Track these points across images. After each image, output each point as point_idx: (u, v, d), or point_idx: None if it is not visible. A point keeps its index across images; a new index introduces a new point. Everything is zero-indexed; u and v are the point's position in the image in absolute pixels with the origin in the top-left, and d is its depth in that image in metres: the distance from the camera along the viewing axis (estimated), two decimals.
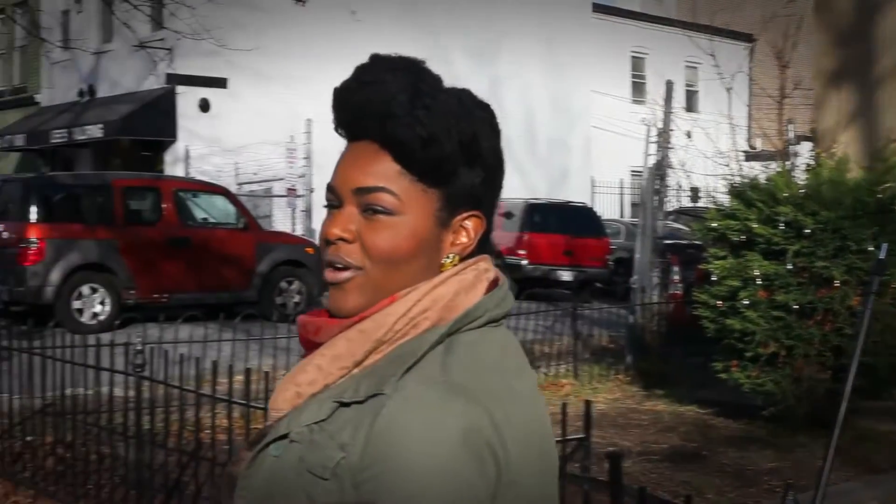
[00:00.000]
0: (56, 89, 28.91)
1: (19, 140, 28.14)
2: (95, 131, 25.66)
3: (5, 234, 16.97)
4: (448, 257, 1.65)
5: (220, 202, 18.55)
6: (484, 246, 1.70)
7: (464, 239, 1.66)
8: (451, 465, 1.47)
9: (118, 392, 7.60)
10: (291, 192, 24.22)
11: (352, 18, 20.76)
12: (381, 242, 1.60)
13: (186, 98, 25.82)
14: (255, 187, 26.15)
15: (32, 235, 16.56)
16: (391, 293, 1.62)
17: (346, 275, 1.63)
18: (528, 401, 1.63)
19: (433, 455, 1.47)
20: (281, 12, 22.30)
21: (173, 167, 25.99)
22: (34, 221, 16.69)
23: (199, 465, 6.79)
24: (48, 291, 16.49)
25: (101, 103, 27.19)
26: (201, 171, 24.78)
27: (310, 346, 1.69)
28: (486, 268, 1.68)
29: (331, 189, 1.66)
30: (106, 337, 7.97)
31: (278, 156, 24.47)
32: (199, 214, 18.50)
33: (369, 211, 1.61)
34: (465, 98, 1.66)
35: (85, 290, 16.74)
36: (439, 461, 1.47)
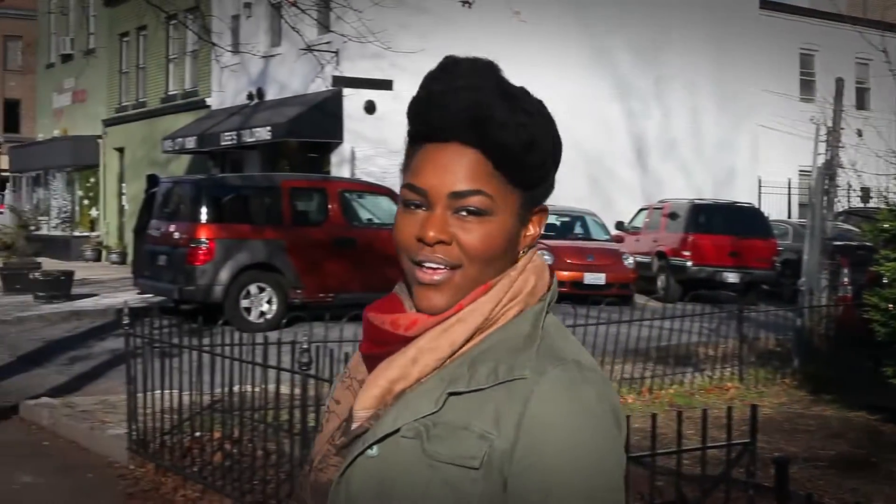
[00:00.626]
0: (226, 93, 29.59)
1: (190, 142, 28.86)
2: (263, 133, 26.16)
3: (176, 234, 17.42)
4: (522, 251, 1.74)
5: (384, 203, 18.71)
6: None
7: (532, 232, 1.75)
8: (610, 444, 1.60)
9: (284, 389, 7.73)
10: None
11: (515, 19, 20.74)
12: (477, 242, 1.66)
13: (352, 100, 26.13)
14: None
15: (203, 236, 16.96)
16: (480, 286, 1.68)
17: (443, 274, 1.68)
18: None
19: (588, 433, 1.58)
20: (446, 14, 22.41)
21: (339, 168, 26.34)
22: (204, 222, 17.09)
23: None
24: (217, 290, 16.87)
25: (270, 106, 27.72)
26: (367, 172, 25.06)
27: (387, 344, 1.71)
28: (542, 255, 1.75)
29: (417, 190, 1.68)
30: (273, 335, 8.11)
31: None
32: (364, 215, 18.71)
33: (463, 212, 1.66)
34: (544, 110, 1.71)
35: (253, 289, 17.08)
36: (593, 437, 1.58)
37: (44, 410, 10.47)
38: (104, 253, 35.12)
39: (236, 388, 7.69)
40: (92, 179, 36.89)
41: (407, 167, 1.72)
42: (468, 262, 1.67)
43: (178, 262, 17.24)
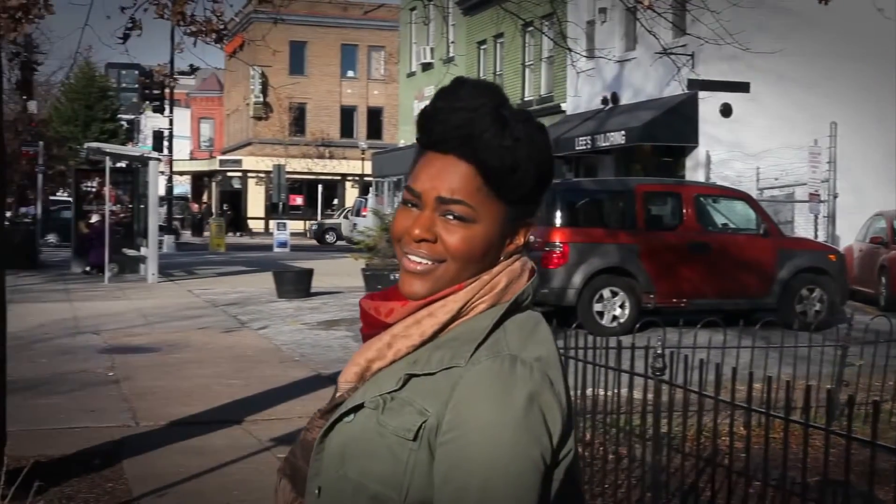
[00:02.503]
0: (581, 97, 29.78)
1: None
2: (618, 138, 26.17)
3: (531, 238, 17.66)
4: (504, 256, 1.96)
5: (740, 207, 18.32)
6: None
7: (518, 242, 1.98)
8: (521, 438, 1.77)
9: (637, 395, 7.67)
10: (814, 197, 23.51)
11: (880, 16, 19.84)
12: (458, 244, 1.89)
13: (708, 103, 25.76)
14: (775, 192, 25.66)
15: (557, 239, 17.12)
16: (459, 283, 1.92)
17: (425, 266, 1.92)
18: (559, 360, 1.94)
19: (504, 419, 1.77)
20: (807, 13, 21.70)
21: (694, 172, 26.02)
22: (559, 226, 17.24)
23: (715, 472, 6.72)
24: (570, 294, 16.98)
25: (624, 110, 27.71)
26: (722, 176, 24.63)
27: (373, 327, 1.99)
28: (527, 259, 2.01)
29: (413, 192, 1.94)
30: (626, 340, 8.06)
31: (801, 160, 23.85)
32: (719, 220, 18.37)
33: (449, 216, 1.90)
34: (538, 126, 1.93)
35: (606, 293, 17.09)
36: (508, 423, 1.77)
37: None
38: None
39: (588, 392, 7.70)
40: None
41: (411, 170, 1.96)
42: (450, 259, 1.91)
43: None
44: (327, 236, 55.23)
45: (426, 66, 40.29)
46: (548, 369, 1.87)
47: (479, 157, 1.87)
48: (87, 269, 29.18)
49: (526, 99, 33.55)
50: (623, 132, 25.93)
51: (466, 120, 1.87)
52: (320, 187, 71.42)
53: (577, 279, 16.98)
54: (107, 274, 27.07)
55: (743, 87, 25.74)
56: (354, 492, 1.89)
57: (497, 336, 1.89)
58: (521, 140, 1.88)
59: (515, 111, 1.91)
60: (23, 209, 43.62)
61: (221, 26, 8.48)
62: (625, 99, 28.25)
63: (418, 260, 1.92)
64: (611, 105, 28.55)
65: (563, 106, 30.93)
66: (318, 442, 1.98)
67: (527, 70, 33.70)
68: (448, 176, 1.89)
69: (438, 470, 1.81)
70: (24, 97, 38.26)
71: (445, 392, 1.83)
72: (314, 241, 56.25)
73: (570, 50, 15.96)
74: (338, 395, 2.01)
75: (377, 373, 1.95)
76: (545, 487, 1.82)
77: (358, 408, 1.92)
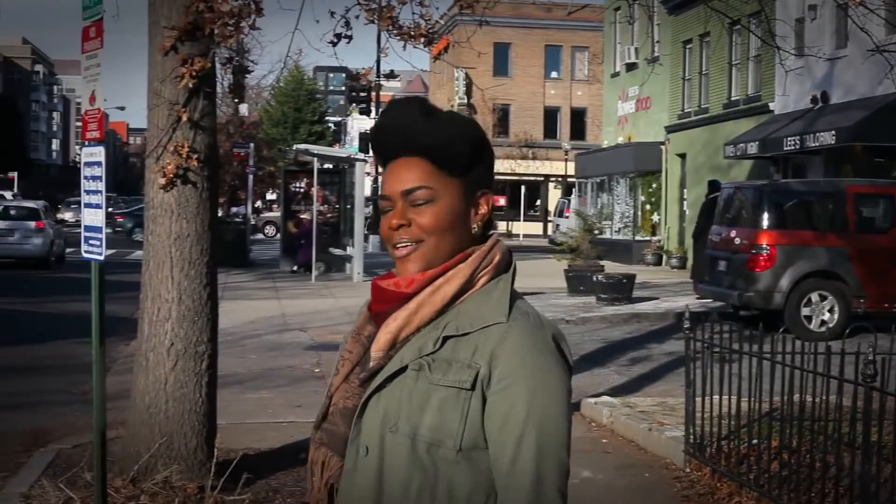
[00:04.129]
0: (789, 97, 29.08)
1: (752, 147, 28.63)
2: (827, 138, 25.45)
3: (737, 240, 17.36)
4: (476, 226, 2.35)
5: None
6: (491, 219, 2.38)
7: (483, 210, 2.37)
8: (556, 361, 2.25)
9: (846, 402, 7.46)
10: None
11: None
12: (429, 221, 2.29)
13: None
14: None
15: (764, 241, 16.79)
16: (444, 254, 2.30)
17: (408, 249, 2.31)
18: None
19: (547, 361, 2.23)
20: None
21: None
22: (766, 228, 16.92)
23: None
24: (777, 297, 16.63)
25: (834, 110, 26.94)
26: None
27: (388, 302, 2.32)
28: (497, 237, 2.38)
29: (385, 198, 2.34)
30: (835, 345, 7.86)
31: None
32: None
33: (416, 202, 2.29)
34: (462, 115, 2.38)
35: (814, 297, 16.68)
36: (551, 363, 2.24)
37: (604, 409, 10.78)
38: (664, 257, 35.69)
39: (795, 398, 7.52)
40: (654, 185, 37.60)
41: (381, 185, 2.37)
42: (427, 236, 2.29)
43: (738, 267, 17.18)
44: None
45: (630, 67, 39.96)
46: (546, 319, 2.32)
47: (420, 147, 2.29)
48: (295, 268, 29.93)
49: (732, 98, 32.95)
50: (833, 132, 25.19)
51: (401, 126, 2.31)
52: (523, 188, 71.61)
53: (785, 282, 16.62)
54: (314, 273, 27.71)
55: None
56: (408, 444, 2.22)
57: (514, 301, 2.31)
58: (446, 122, 2.31)
59: (439, 108, 2.35)
60: (234, 209, 44.97)
61: (429, 30, 8.58)
62: (835, 98, 27.44)
63: (402, 244, 2.31)
64: (820, 104, 27.78)
65: (771, 105, 30.24)
66: (360, 407, 2.29)
67: (733, 69, 33.07)
68: (405, 173, 2.31)
69: (499, 410, 2.21)
70: (236, 100, 39.45)
71: (490, 346, 2.23)
72: (520, 241, 56.40)
73: (778, 48, 15.63)
74: (372, 363, 2.32)
75: (406, 340, 2.29)
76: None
77: (399, 372, 2.26)
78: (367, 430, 2.26)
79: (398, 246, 2.31)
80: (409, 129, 2.29)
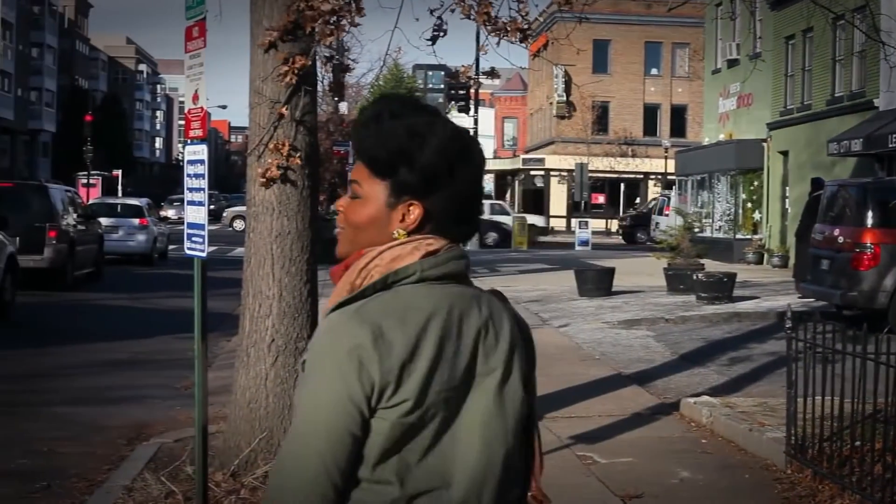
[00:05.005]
0: (894, 93, 28.55)
1: (856, 145, 28.14)
2: None
3: (840, 239, 17.10)
4: (396, 232, 2.48)
5: None
6: (445, 228, 2.49)
7: (406, 220, 2.48)
8: (335, 368, 2.33)
9: None
10: None
11: None
12: (349, 214, 2.54)
13: None
14: None
15: (868, 240, 16.52)
16: (359, 247, 2.52)
17: (340, 230, 2.57)
18: (423, 327, 2.36)
19: (327, 355, 2.36)
20: None
21: None
22: (870, 226, 16.63)
23: None
24: (881, 297, 16.35)
25: None
26: None
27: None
28: (429, 242, 2.46)
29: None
30: None
31: None
32: None
33: (352, 196, 2.55)
34: (414, 124, 2.46)
35: None
36: (328, 361, 2.34)
37: (703, 409, 10.68)
38: (765, 256, 35.23)
39: None
40: (755, 183, 37.12)
41: None
42: (347, 226, 2.54)
43: (841, 266, 16.91)
44: (639, 234, 54.27)
45: (732, 63, 39.47)
46: (387, 327, 2.34)
47: (360, 154, 2.52)
48: None
49: (836, 95, 32.40)
50: None
51: (354, 133, 2.56)
52: (622, 186, 71.17)
53: (889, 282, 16.32)
54: None
55: None
56: None
57: (365, 298, 2.41)
58: (372, 135, 2.49)
59: (397, 111, 2.50)
60: (332, 206, 45.38)
61: (526, 26, 8.55)
62: None
63: (339, 226, 2.57)
64: None
65: (876, 102, 29.67)
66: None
67: (837, 65, 32.51)
68: (354, 170, 2.56)
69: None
70: (336, 99, 39.77)
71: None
72: (619, 240, 56.11)
73: (883, 44, 15.36)
74: None
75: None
76: (362, 428, 2.32)
77: None
78: None
79: (339, 226, 2.60)
80: (353, 131, 2.57)
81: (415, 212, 2.45)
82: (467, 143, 2.51)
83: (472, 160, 2.51)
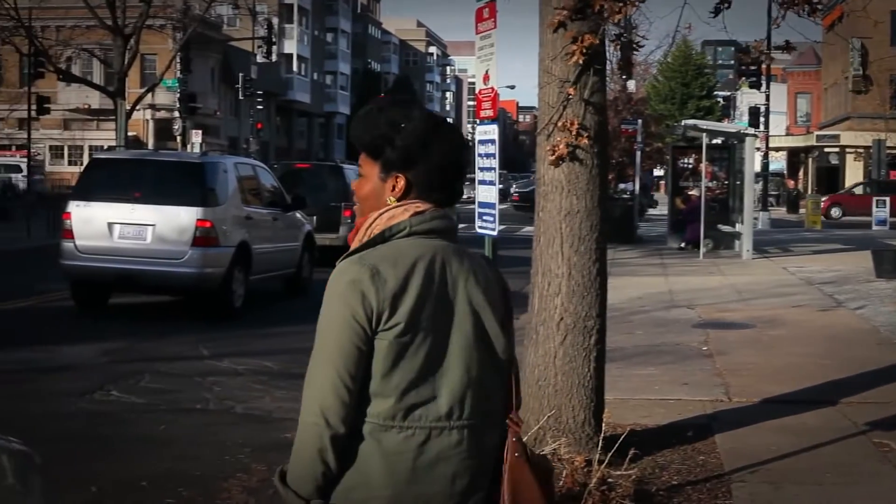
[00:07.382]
0: None
1: None
2: None
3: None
4: (389, 199, 3.10)
5: None
6: (427, 194, 3.12)
7: (394, 189, 3.10)
8: (341, 297, 2.97)
9: None
10: None
11: None
12: (357, 190, 3.19)
13: None
14: None
15: None
16: (365, 214, 3.13)
17: (355, 208, 3.23)
18: (411, 268, 2.99)
19: (336, 288, 2.98)
20: None
21: None
22: None
23: None
24: None
25: None
26: None
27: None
28: (417, 205, 3.08)
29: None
30: None
31: None
32: None
33: (359, 176, 3.20)
34: (393, 115, 3.11)
35: None
36: (335, 293, 2.99)
37: None
38: None
39: None
40: None
41: None
42: (357, 199, 3.19)
43: None
44: None
45: None
46: (382, 268, 2.96)
47: (357, 143, 3.15)
48: (683, 244, 29.71)
49: None
50: None
51: (351, 128, 3.19)
52: None
53: None
54: (702, 249, 27.40)
55: None
56: None
57: (369, 247, 3.04)
58: (358, 122, 3.15)
59: (383, 104, 3.15)
60: (622, 185, 45.11)
61: None
62: None
63: (354, 204, 3.24)
64: None
65: None
66: None
67: None
68: (360, 157, 3.18)
69: None
70: (624, 77, 39.46)
71: None
72: None
73: None
74: None
75: None
76: (366, 343, 2.94)
77: None
78: None
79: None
80: (351, 126, 3.22)
81: (400, 182, 3.11)
82: (438, 126, 3.13)
83: (444, 139, 3.12)
